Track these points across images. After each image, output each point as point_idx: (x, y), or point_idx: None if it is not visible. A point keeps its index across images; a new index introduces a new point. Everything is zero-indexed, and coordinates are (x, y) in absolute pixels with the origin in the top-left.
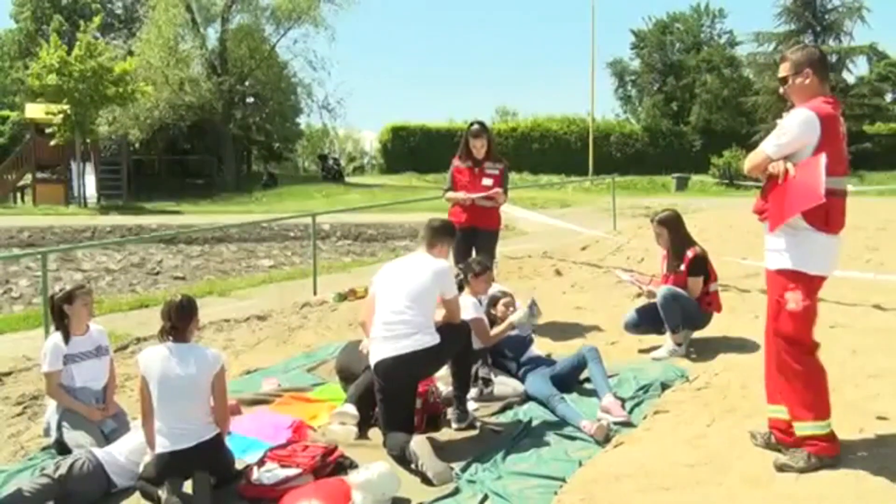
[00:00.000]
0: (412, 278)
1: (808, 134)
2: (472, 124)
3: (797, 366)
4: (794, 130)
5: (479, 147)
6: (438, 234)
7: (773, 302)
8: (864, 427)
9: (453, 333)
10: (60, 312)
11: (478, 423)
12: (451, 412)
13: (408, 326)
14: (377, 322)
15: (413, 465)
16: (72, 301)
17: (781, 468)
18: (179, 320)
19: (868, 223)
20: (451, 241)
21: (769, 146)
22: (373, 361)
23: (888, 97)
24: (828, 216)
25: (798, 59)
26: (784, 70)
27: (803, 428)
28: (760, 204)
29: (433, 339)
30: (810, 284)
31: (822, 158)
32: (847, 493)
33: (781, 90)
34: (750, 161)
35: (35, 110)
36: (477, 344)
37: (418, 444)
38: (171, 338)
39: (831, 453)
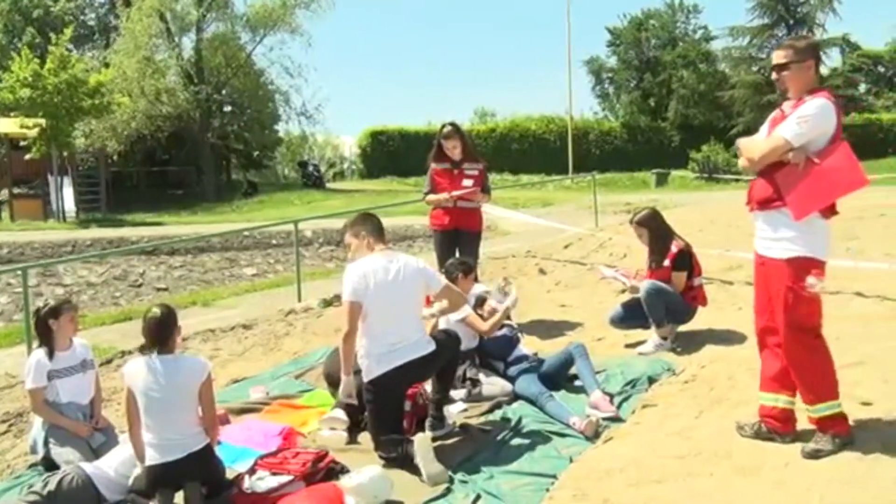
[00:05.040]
0: (404, 289)
1: (827, 122)
2: (443, 126)
3: (812, 351)
4: (814, 119)
5: (451, 148)
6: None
7: (782, 291)
8: (849, 413)
9: (447, 341)
10: (45, 327)
11: (457, 427)
12: (427, 420)
13: (407, 339)
14: (375, 339)
15: (412, 462)
16: (58, 316)
17: (813, 454)
18: (162, 334)
19: (846, 213)
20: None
21: (788, 133)
22: (373, 376)
23: (862, 88)
24: (833, 202)
25: (803, 46)
26: (785, 56)
27: (821, 410)
28: (768, 192)
29: (430, 346)
30: (821, 270)
31: (848, 147)
32: (834, 479)
33: (775, 76)
34: (765, 147)
35: (9, 125)
36: (465, 345)
37: (420, 441)
38: (155, 351)
39: (848, 431)
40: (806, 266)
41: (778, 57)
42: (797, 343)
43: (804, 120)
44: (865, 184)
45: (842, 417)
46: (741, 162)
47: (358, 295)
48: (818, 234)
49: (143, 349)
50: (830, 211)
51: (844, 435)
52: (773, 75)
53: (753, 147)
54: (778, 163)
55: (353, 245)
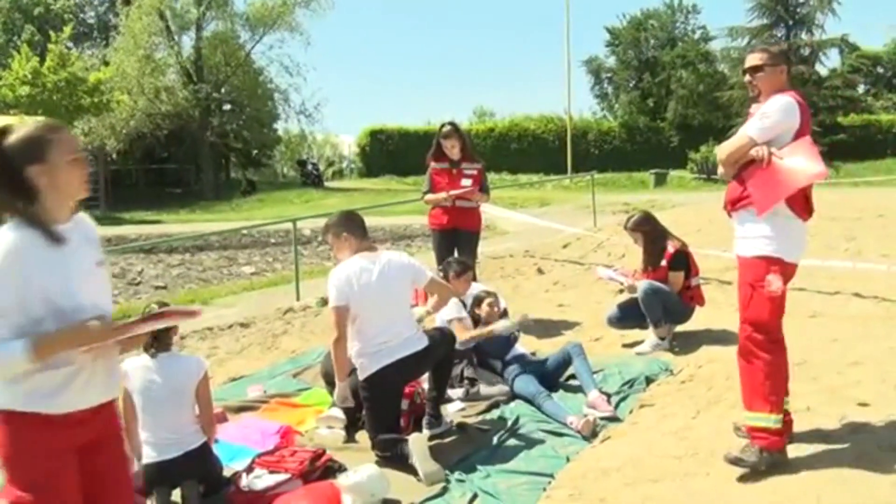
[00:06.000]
0: (390, 288)
1: (790, 119)
2: (443, 126)
3: (764, 354)
4: (777, 115)
5: (450, 147)
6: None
7: (745, 288)
8: (846, 414)
9: (441, 338)
10: None
11: (455, 426)
12: (424, 419)
13: (399, 336)
14: (367, 339)
15: (409, 461)
16: None
17: (735, 462)
18: (163, 329)
19: (844, 213)
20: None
21: (752, 130)
22: (367, 373)
23: (860, 88)
24: (806, 201)
25: (777, 51)
26: (759, 59)
27: (757, 419)
28: (738, 192)
29: (423, 342)
30: (786, 271)
31: (809, 139)
32: (831, 481)
33: (747, 79)
34: (731, 146)
35: (8, 122)
36: (461, 344)
37: (415, 441)
38: (153, 349)
39: (780, 447)
40: (769, 265)
41: (752, 60)
42: (751, 342)
43: (766, 116)
44: (824, 174)
45: (777, 433)
46: (720, 170)
47: (343, 299)
48: (791, 235)
49: (145, 347)
50: (807, 212)
51: (775, 451)
52: (746, 78)
53: (719, 149)
54: (748, 163)
55: (335, 246)
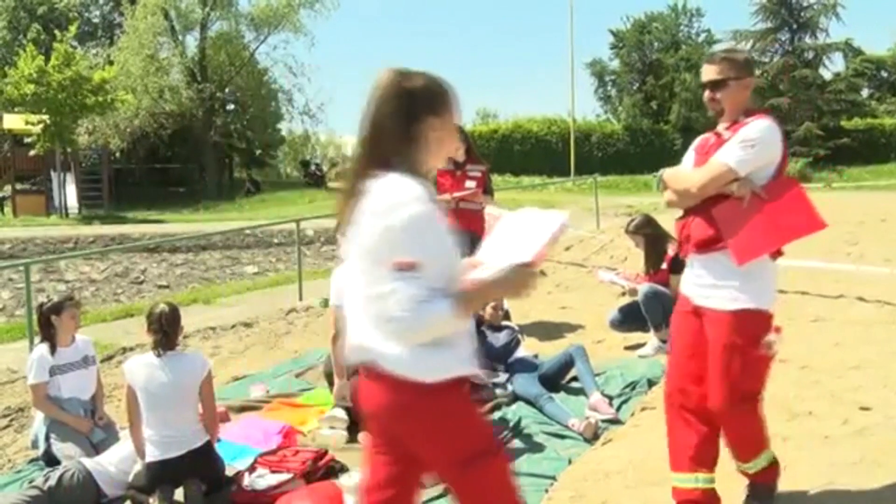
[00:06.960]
0: None
1: (774, 148)
2: None
3: (752, 414)
4: (761, 144)
5: (454, 149)
6: None
7: (720, 348)
8: (848, 418)
9: None
10: (48, 323)
11: None
12: None
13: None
14: None
15: None
16: (60, 312)
17: None
18: (167, 330)
19: (848, 218)
20: None
21: (731, 159)
22: None
23: (864, 92)
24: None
25: (742, 61)
26: (721, 72)
27: (759, 463)
28: (709, 232)
29: None
30: (771, 322)
31: (801, 188)
32: (831, 483)
33: (707, 95)
34: (705, 176)
35: (13, 121)
36: None
37: None
38: (161, 348)
39: (777, 478)
40: (754, 321)
41: (712, 72)
42: (738, 411)
43: (749, 144)
44: (823, 226)
45: (775, 464)
46: (666, 195)
47: (340, 299)
48: (766, 279)
49: (155, 347)
50: (777, 252)
51: (776, 481)
52: (706, 94)
53: (687, 177)
54: (714, 197)
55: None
